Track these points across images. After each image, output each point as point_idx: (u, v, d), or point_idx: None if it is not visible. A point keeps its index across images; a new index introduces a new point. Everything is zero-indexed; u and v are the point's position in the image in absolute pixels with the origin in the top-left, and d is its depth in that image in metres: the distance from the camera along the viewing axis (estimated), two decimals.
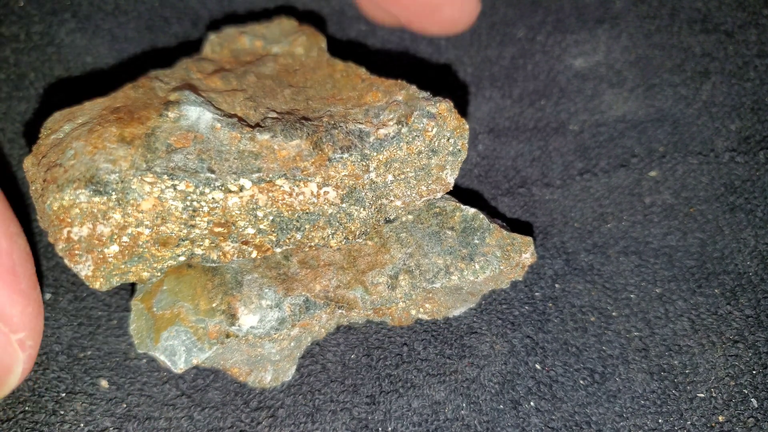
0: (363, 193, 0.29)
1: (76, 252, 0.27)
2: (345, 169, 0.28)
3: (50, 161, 0.27)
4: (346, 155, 0.28)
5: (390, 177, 0.29)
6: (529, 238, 0.31)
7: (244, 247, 0.28)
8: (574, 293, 0.34)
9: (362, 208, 0.29)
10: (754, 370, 0.31)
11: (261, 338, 0.29)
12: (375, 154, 0.29)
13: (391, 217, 0.31)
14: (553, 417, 0.31)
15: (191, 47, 0.41)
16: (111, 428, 0.30)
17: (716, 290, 0.34)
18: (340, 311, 0.30)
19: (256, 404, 0.31)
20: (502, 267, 0.30)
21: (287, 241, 0.29)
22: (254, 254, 0.29)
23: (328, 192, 0.28)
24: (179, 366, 0.28)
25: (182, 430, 0.30)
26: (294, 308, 0.29)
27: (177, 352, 0.28)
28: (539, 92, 0.41)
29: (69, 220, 0.26)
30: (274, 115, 0.29)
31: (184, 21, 0.43)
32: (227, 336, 0.28)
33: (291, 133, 0.28)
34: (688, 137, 0.39)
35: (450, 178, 0.31)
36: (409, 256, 0.30)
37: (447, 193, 0.33)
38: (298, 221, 0.28)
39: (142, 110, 0.28)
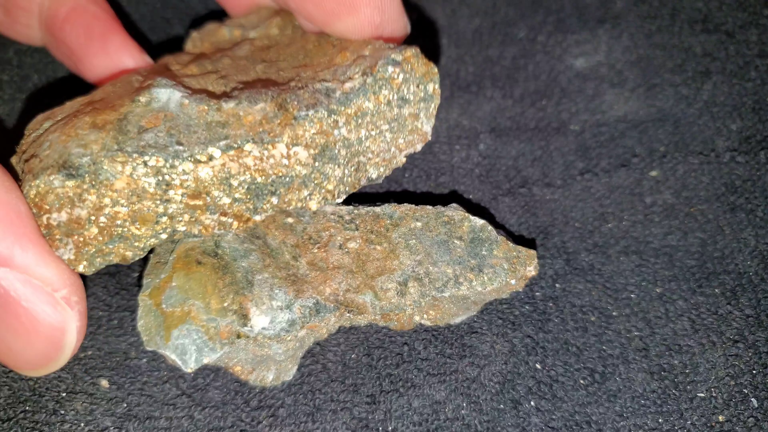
0: (336, 151, 0.29)
1: (57, 237, 0.27)
2: (312, 126, 0.28)
3: (29, 155, 0.28)
4: (311, 112, 0.28)
5: (363, 132, 0.29)
6: (534, 252, 0.31)
7: (224, 218, 0.28)
8: (574, 293, 0.34)
9: (336, 166, 0.29)
10: (754, 369, 0.31)
11: (270, 339, 0.29)
12: (342, 108, 0.28)
13: (373, 177, 0.31)
14: (554, 417, 0.31)
15: None
16: (111, 428, 0.30)
17: (716, 290, 0.34)
18: (348, 315, 0.30)
19: (257, 403, 0.31)
20: (509, 279, 0.31)
21: (264, 207, 0.29)
22: (235, 225, 0.29)
23: (298, 152, 0.28)
24: (190, 365, 0.28)
25: (183, 429, 0.30)
26: (304, 311, 0.29)
27: (188, 351, 0.28)
28: (540, 92, 0.41)
29: (47, 207, 0.26)
30: (243, 86, 0.30)
31: (185, 21, 0.43)
32: (238, 336, 0.28)
33: (255, 98, 0.28)
34: (689, 137, 0.39)
35: (426, 127, 0.30)
36: (418, 264, 0.31)
37: (455, 202, 0.33)
38: (272, 185, 0.28)
39: (117, 100, 0.29)
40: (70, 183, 0.26)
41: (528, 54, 0.42)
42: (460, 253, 0.31)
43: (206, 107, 0.28)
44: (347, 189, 0.30)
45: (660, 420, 0.30)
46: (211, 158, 0.27)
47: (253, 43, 0.34)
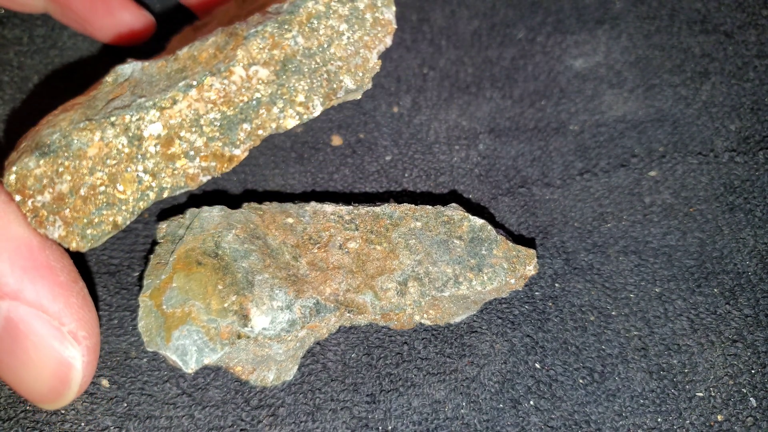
0: (297, 62, 0.28)
1: (44, 217, 0.27)
2: (265, 42, 0.28)
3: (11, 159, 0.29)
4: (260, 27, 0.28)
5: (323, 37, 0.29)
6: (533, 251, 0.31)
7: (205, 163, 0.28)
8: (573, 292, 0.34)
9: (302, 77, 0.28)
10: (752, 369, 0.31)
11: (270, 339, 0.29)
12: (291, 17, 0.28)
13: (351, 86, 0.29)
14: (553, 416, 0.31)
15: None
16: (112, 427, 0.30)
17: (715, 290, 0.34)
18: (348, 315, 0.30)
19: (257, 403, 0.31)
20: (508, 278, 0.31)
21: (240, 138, 0.28)
22: (218, 167, 0.28)
23: (258, 71, 0.28)
24: (191, 366, 0.28)
25: (183, 428, 0.30)
26: (304, 311, 0.29)
27: (188, 352, 0.28)
28: (539, 93, 0.41)
29: (29, 192, 0.27)
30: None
31: (185, 23, 0.43)
32: (238, 337, 0.28)
33: (206, 36, 0.29)
34: (687, 137, 0.39)
35: (387, 15, 0.29)
36: (417, 264, 0.31)
37: (454, 202, 0.33)
38: (241, 113, 0.28)
39: (92, 90, 0.30)
40: (43, 161, 0.27)
41: (527, 55, 0.43)
42: (460, 253, 0.31)
43: (164, 62, 0.29)
44: (322, 101, 0.29)
45: (659, 419, 0.30)
46: (174, 102, 0.27)
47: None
